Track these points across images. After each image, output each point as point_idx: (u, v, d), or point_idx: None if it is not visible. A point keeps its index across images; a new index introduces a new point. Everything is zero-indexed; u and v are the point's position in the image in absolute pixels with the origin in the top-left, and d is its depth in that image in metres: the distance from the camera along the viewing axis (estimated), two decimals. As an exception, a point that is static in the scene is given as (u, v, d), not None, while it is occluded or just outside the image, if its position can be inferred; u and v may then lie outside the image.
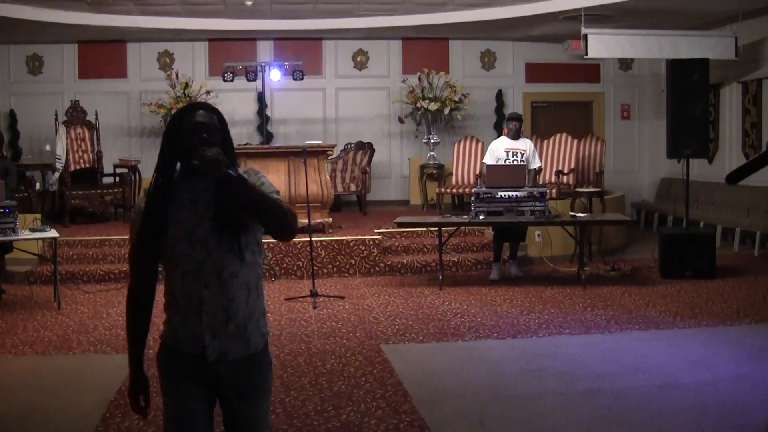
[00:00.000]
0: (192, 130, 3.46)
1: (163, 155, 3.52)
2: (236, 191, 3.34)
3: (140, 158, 15.56)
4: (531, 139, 12.72)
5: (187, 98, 15.39)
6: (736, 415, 6.01)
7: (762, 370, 7.19)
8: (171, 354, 3.54)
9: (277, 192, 3.53)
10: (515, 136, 11.92)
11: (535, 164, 12.00)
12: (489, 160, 11.91)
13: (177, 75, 15.77)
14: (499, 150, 11.89)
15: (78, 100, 15.45)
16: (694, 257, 11.44)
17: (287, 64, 15.48)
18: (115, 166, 15.19)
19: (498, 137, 12.81)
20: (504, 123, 12.77)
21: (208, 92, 15.57)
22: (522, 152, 11.82)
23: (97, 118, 15.22)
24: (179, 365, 3.53)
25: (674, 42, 13.75)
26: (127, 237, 12.39)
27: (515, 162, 11.73)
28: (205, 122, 3.49)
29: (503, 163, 11.73)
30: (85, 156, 15.13)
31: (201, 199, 3.47)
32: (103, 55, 16.48)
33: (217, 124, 3.53)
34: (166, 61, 16.59)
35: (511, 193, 10.83)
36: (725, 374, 7.06)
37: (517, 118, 12.08)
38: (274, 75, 15.24)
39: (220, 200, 3.44)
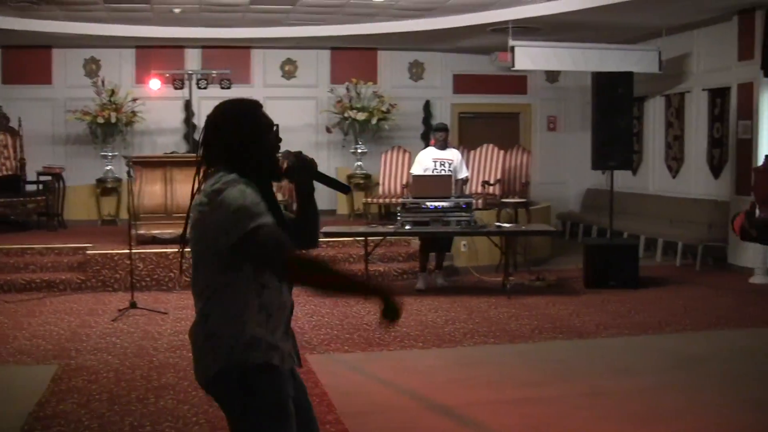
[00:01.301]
0: (272, 129, 3.49)
1: (248, 156, 3.37)
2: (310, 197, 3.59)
3: (65, 166, 15.36)
4: (458, 150, 12.77)
5: (113, 106, 15.22)
6: (660, 423, 6.09)
7: (684, 379, 7.29)
8: (279, 373, 3.36)
9: None
10: (442, 146, 11.97)
11: (463, 174, 12.06)
12: (417, 170, 11.93)
13: (103, 82, 15.59)
14: (427, 160, 11.92)
15: (1, 106, 15.19)
16: (618, 268, 11.58)
17: (215, 72, 15.41)
18: (39, 174, 14.95)
19: (425, 148, 12.85)
20: (431, 133, 12.82)
21: (134, 99, 15.42)
22: (449, 162, 11.87)
23: (20, 125, 14.99)
24: (288, 384, 3.39)
25: (600, 55, 13.92)
26: (48, 246, 12.26)
27: (443, 172, 11.76)
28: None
29: (431, 173, 11.77)
30: (8, 163, 14.87)
31: (274, 202, 3.39)
32: (27, 60, 16.19)
33: None
34: (92, 68, 16.37)
35: (437, 204, 10.87)
36: (649, 382, 7.15)
37: (443, 128, 12.13)
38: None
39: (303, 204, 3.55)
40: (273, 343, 3.32)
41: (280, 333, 3.37)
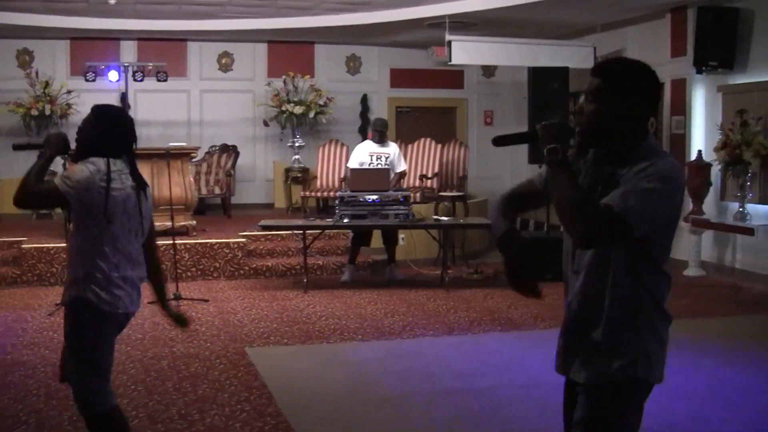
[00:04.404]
0: None
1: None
2: None
3: (-3, 159, 15.17)
4: (396, 144, 12.82)
5: (48, 98, 15.05)
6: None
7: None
8: None
9: (62, 175, 4.43)
10: (380, 141, 12.01)
11: (400, 168, 12.11)
12: (353, 163, 11.98)
13: (37, 74, 15.40)
14: (363, 154, 11.97)
15: (-69, 99, 14.98)
16: (555, 261, 11.65)
17: (151, 65, 15.30)
18: (-28, 168, 14.73)
19: (363, 141, 12.89)
20: (369, 128, 12.86)
21: (69, 92, 15.26)
22: (386, 156, 11.91)
23: (-49, 116, 14.77)
24: None
25: (535, 51, 14.03)
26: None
27: (379, 165, 11.80)
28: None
29: (367, 166, 11.80)
30: (-62, 156, 14.62)
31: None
32: (-43, 51, 15.96)
33: (83, 123, 4.61)
34: (25, 59, 16.14)
35: (374, 197, 10.91)
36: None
37: (382, 125, 12.16)
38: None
39: None
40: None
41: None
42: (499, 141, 3.37)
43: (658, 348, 3.23)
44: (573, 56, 13.99)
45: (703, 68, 11.93)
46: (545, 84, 12.08)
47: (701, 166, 11.77)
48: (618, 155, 3.15)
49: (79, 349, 4.44)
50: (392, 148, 12.12)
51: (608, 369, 3.15)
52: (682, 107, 12.80)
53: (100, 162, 4.43)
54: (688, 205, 12.03)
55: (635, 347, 3.14)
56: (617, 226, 2.92)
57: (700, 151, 11.92)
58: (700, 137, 12.40)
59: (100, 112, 4.61)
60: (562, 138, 3.15)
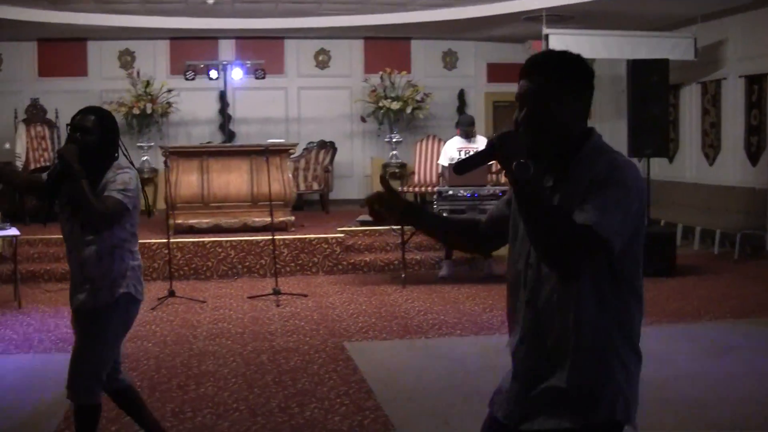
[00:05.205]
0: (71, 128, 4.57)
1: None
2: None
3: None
4: (486, 138, 12.74)
5: (149, 96, 15.33)
6: (695, 410, 6.07)
7: (719, 367, 7.26)
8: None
9: (120, 190, 4.50)
10: (467, 137, 11.97)
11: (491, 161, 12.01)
12: (443, 160, 11.99)
13: (138, 74, 15.69)
14: (453, 150, 11.95)
15: (38, 99, 15.36)
16: (655, 256, 11.51)
17: (249, 63, 15.46)
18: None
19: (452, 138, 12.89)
20: (457, 124, 12.84)
21: (169, 91, 15.53)
22: (475, 150, 11.85)
23: (57, 117, 15.12)
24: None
25: (634, 43, 13.84)
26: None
27: None
28: (81, 124, 4.54)
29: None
30: (45, 155, 15.03)
31: None
32: (63, 53, 16.34)
33: (91, 126, 4.53)
34: (126, 60, 16.49)
35: (472, 192, 10.88)
36: (685, 371, 7.13)
37: (468, 122, 12.11)
38: (236, 74, 15.30)
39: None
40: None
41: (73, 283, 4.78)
42: (461, 167, 2.85)
43: (632, 388, 2.73)
44: (673, 48, 13.77)
45: (810, 59, 11.69)
46: (644, 77, 11.91)
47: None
48: (564, 160, 2.76)
49: (104, 343, 4.72)
50: (480, 142, 12.06)
51: (581, 416, 2.67)
52: (786, 98, 12.53)
53: (128, 165, 4.71)
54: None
55: (609, 390, 2.68)
56: (600, 246, 2.48)
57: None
58: (806, 130, 12.12)
59: (105, 114, 4.73)
60: (524, 151, 2.57)
